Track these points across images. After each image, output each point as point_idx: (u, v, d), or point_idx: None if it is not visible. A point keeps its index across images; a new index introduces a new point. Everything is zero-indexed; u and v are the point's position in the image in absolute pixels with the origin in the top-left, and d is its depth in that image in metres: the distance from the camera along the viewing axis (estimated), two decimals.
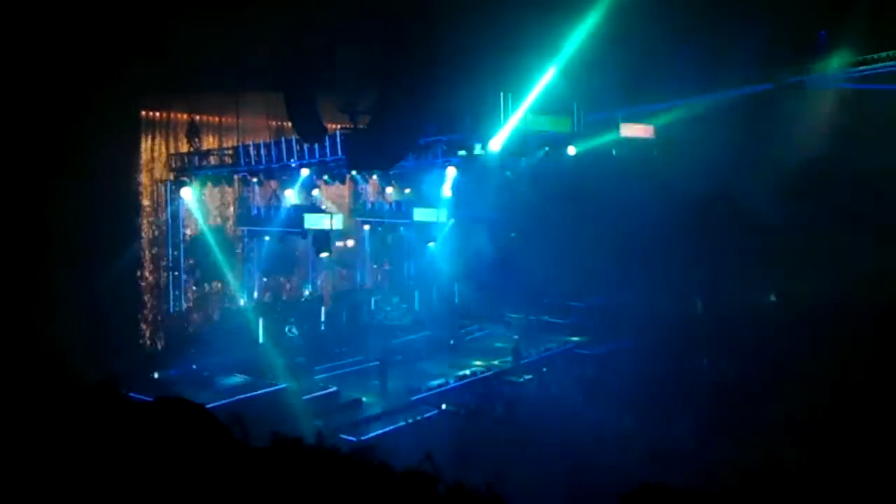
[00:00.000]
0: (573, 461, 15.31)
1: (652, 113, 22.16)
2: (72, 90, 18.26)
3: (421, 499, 4.28)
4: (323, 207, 24.42)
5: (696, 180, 22.03)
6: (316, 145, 21.24)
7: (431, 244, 28.66)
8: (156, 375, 20.91)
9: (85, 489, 2.54)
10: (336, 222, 22.77)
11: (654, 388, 19.47)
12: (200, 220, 24.36)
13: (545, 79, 18.93)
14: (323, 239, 22.80)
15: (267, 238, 24.69)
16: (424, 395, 21.23)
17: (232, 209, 25.45)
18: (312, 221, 22.36)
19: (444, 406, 20.54)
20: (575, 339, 27.19)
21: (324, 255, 23.32)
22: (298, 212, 22.54)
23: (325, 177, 23.44)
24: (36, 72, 17.33)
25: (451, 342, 26.35)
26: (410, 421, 19.33)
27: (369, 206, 28.59)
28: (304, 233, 22.84)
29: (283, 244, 24.81)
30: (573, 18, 17.77)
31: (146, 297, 23.41)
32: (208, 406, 2.97)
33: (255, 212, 24.11)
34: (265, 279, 26.39)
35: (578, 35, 18.20)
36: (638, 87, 20.38)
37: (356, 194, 29.51)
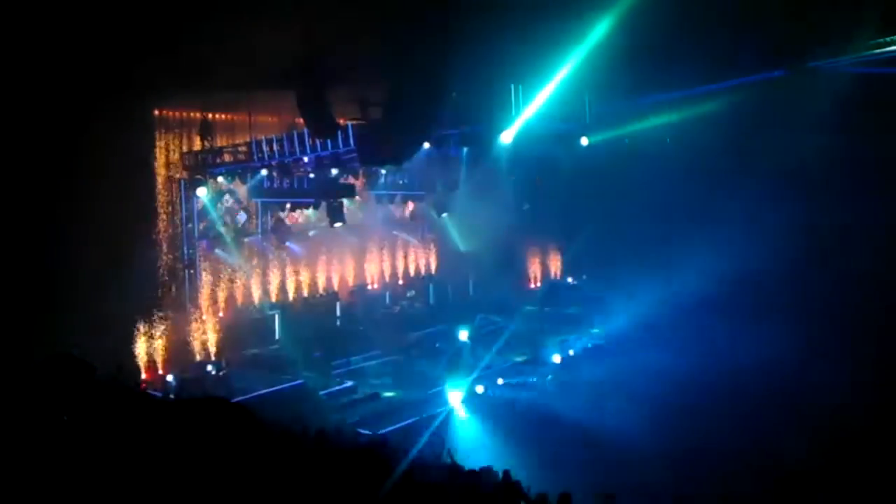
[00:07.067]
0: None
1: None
2: (84, 90, 18.30)
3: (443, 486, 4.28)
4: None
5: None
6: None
7: (445, 215, 28.58)
8: (172, 374, 20.96)
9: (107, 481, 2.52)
10: (349, 191, 22.70)
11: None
12: (216, 218, 24.31)
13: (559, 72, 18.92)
14: (337, 209, 22.66)
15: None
16: (440, 389, 21.21)
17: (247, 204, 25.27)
18: (326, 191, 22.27)
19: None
20: (594, 330, 27.07)
21: (337, 224, 23.15)
22: (311, 183, 22.44)
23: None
24: (48, 72, 17.37)
25: (467, 336, 26.28)
26: (426, 416, 19.34)
27: (382, 178, 27.64)
28: (318, 203, 22.77)
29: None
30: (588, 10, 17.65)
31: (163, 295, 23.40)
32: None
33: (266, 184, 23.56)
34: (282, 274, 26.29)
35: (593, 26, 18.08)
36: (650, 77, 20.28)
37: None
